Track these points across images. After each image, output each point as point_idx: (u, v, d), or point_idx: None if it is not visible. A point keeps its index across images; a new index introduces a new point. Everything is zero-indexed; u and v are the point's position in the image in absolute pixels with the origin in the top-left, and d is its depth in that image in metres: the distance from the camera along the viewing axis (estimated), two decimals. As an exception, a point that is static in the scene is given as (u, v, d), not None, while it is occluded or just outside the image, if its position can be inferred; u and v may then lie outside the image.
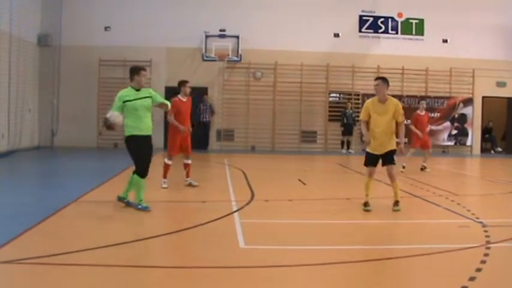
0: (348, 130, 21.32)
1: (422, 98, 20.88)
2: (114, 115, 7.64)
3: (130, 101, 7.77)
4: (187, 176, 10.68)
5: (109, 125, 7.61)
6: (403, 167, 13.85)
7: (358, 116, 21.73)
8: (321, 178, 14.10)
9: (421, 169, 14.47)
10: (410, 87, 21.83)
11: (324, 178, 14.10)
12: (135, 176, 7.90)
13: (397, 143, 8.40)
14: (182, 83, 10.46)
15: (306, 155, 20.26)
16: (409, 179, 12.25)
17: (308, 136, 21.97)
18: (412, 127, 14.36)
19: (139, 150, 7.86)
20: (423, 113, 14.79)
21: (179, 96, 10.37)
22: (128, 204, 8.05)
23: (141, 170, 7.89)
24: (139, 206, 7.84)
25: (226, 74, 21.49)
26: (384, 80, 8.39)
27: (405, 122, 8.68)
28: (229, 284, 4.72)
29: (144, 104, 7.85)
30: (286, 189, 10.77)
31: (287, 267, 5.26)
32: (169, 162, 10.29)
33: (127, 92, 7.89)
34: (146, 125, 7.91)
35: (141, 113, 7.82)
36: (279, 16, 21.16)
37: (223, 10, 21.01)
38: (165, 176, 10.23)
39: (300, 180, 12.00)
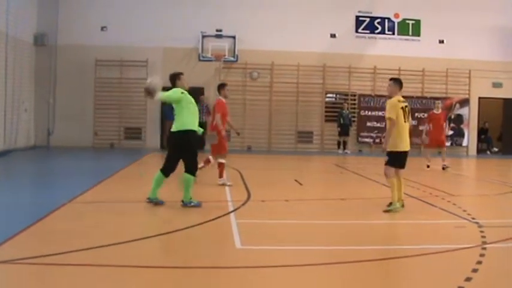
0: (344, 131, 21.31)
1: (418, 98, 20.97)
2: (154, 81, 7.80)
3: (186, 94, 8.05)
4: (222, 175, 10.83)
5: (150, 91, 7.68)
6: (428, 166, 14.66)
7: (354, 117, 21.88)
8: (317, 178, 14.10)
9: (443, 168, 14.77)
10: (407, 87, 21.57)
11: (320, 178, 14.11)
12: (187, 175, 8.05)
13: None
14: (222, 86, 10.69)
15: (302, 155, 20.27)
16: (406, 179, 12.23)
17: (304, 136, 21.99)
18: (425, 126, 14.88)
19: (190, 146, 8.05)
20: (439, 111, 15.30)
21: (221, 97, 10.57)
22: (189, 204, 8.15)
23: (194, 168, 8.06)
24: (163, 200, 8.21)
25: (222, 74, 21.46)
26: (395, 81, 8.34)
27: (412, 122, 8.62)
28: (225, 284, 4.72)
29: (194, 102, 8.15)
30: (283, 189, 10.77)
31: (284, 267, 5.26)
32: (224, 161, 10.69)
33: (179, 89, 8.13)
34: (196, 121, 8.16)
35: (193, 109, 8.10)
36: (276, 16, 21.16)
37: (220, 10, 20.99)
38: (221, 176, 10.60)
39: (296, 180, 12.00)
